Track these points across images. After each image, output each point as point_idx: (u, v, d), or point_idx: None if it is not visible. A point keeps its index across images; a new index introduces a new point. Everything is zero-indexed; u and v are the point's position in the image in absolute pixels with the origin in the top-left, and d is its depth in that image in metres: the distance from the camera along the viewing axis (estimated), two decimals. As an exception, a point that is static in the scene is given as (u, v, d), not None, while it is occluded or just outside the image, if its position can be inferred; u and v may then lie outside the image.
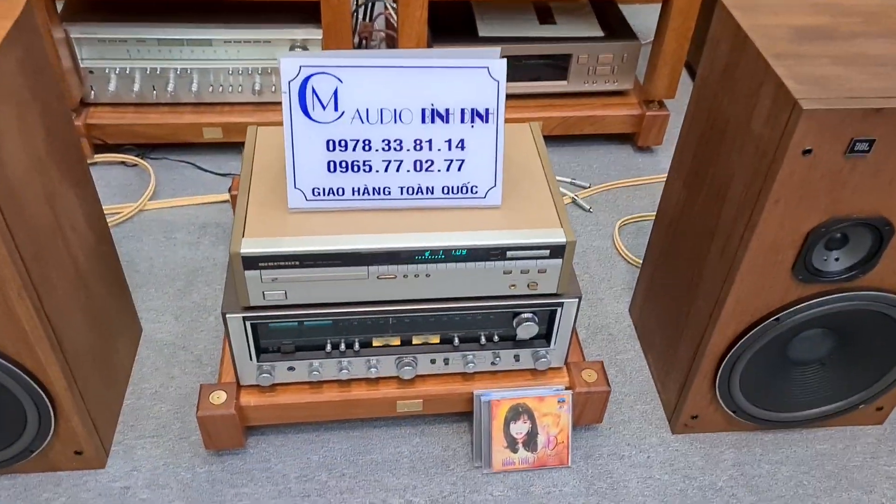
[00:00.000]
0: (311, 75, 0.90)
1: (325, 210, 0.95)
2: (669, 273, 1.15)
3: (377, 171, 0.94)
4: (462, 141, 0.93)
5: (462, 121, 0.93)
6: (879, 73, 0.84)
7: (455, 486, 1.08)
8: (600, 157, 1.69)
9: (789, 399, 1.11)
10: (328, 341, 1.02)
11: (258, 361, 1.02)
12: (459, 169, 0.95)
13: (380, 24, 1.85)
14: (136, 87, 1.53)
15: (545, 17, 1.62)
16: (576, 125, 1.63)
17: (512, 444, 1.08)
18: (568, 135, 1.65)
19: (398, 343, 1.04)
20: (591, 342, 1.29)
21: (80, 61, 1.50)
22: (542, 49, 1.55)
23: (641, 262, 1.28)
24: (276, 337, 1.01)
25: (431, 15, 1.51)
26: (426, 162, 0.94)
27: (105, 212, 1.46)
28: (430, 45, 1.53)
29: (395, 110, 0.92)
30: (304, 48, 1.51)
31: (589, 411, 1.11)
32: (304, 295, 0.95)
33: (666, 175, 1.22)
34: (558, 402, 1.07)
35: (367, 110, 0.91)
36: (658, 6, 1.55)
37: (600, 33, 1.59)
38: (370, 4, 1.83)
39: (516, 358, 1.06)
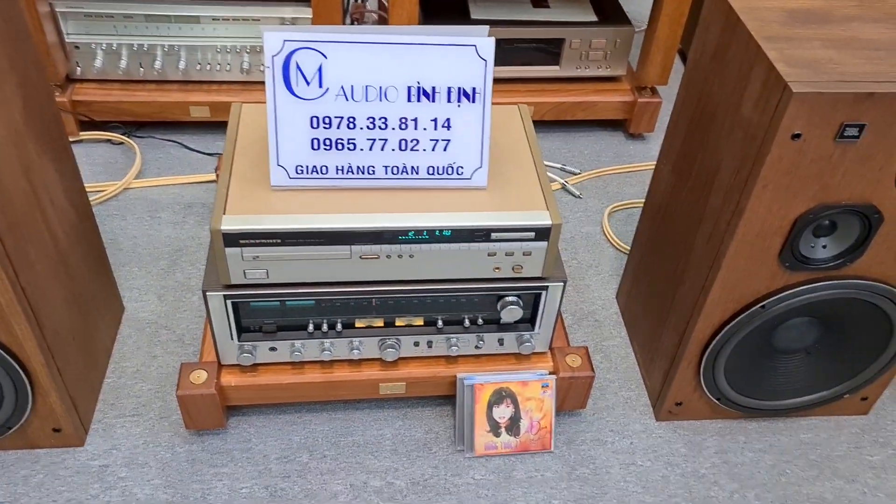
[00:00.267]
0: (296, 50, 0.88)
1: (308, 188, 0.94)
2: (657, 259, 1.15)
3: (361, 150, 0.92)
4: (448, 120, 0.92)
5: (448, 100, 0.91)
6: (872, 58, 0.83)
7: (437, 470, 1.07)
8: (591, 144, 1.68)
9: (774, 388, 1.11)
10: (310, 322, 1.01)
11: (239, 341, 1.01)
12: (445, 149, 0.93)
13: (372, 5, 1.83)
14: (123, 64, 1.51)
15: (539, 1, 1.60)
16: (567, 111, 1.62)
17: (494, 429, 1.08)
18: (559, 120, 1.64)
19: (381, 325, 1.03)
20: (577, 328, 1.29)
21: (65, 36, 1.48)
22: (534, 33, 1.54)
23: (629, 248, 1.28)
24: (257, 316, 1.00)
25: (423, -5, 1.49)
26: (411, 141, 0.93)
27: (89, 190, 1.45)
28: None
29: (380, 88, 0.90)
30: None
31: (572, 397, 1.10)
32: (286, 274, 0.94)
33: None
34: (542, 386, 1.07)
35: (353, 87, 0.90)
36: (652, -9, 1.54)
37: (594, 18, 1.57)
38: (362, -15, 1.81)
39: (500, 342, 1.06)
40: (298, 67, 0.89)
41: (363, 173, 0.94)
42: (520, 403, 1.07)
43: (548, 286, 0.99)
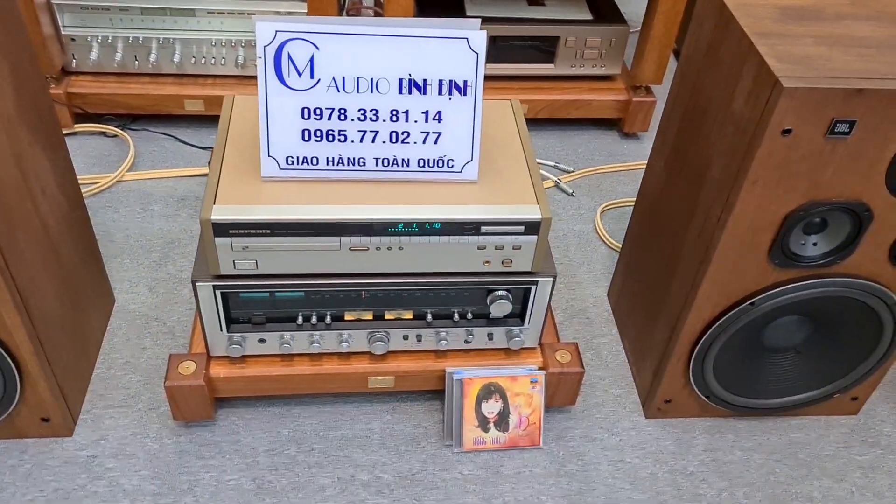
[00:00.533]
0: (288, 41, 0.88)
1: (299, 179, 0.94)
2: (648, 256, 1.15)
3: (352, 142, 0.92)
4: (439, 113, 0.92)
5: (440, 92, 0.91)
6: (864, 55, 0.83)
7: (425, 464, 1.07)
8: (585, 142, 1.68)
9: (763, 386, 1.11)
10: (300, 313, 1.01)
11: (228, 332, 1.01)
12: (436, 142, 0.93)
13: (368, 1, 1.83)
14: (118, 57, 1.51)
15: (534, -1, 1.61)
16: (562, 109, 1.62)
17: (483, 424, 1.08)
18: (553, 118, 1.64)
19: (370, 317, 1.02)
20: (568, 325, 1.28)
21: (61, 28, 1.48)
22: (529, 30, 1.54)
23: (621, 246, 1.28)
24: (246, 307, 1.00)
25: (419, -8, 1.49)
26: (402, 133, 0.92)
27: (82, 182, 1.44)
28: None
29: (371, 79, 0.90)
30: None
31: (562, 393, 1.10)
32: (276, 265, 0.94)
33: (649, 158, 1.21)
34: (531, 382, 1.07)
35: (344, 78, 0.90)
36: (648, -9, 1.54)
37: (589, 17, 1.57)
38: (359, -19, 1.81)
39: (490, 336, 1.05)
40: (290, 58, 0.89)
41: (354, 165, 0.94)
42: (509, 399, 1.07)
43: (537, 280, 0.99)
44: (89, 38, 1.49)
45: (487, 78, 0.91)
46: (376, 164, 0.94)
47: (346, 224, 0.90)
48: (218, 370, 1.04)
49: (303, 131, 0.91)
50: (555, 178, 1.56)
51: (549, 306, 1.03)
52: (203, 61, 1.52)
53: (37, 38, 1.42)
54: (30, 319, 0.95)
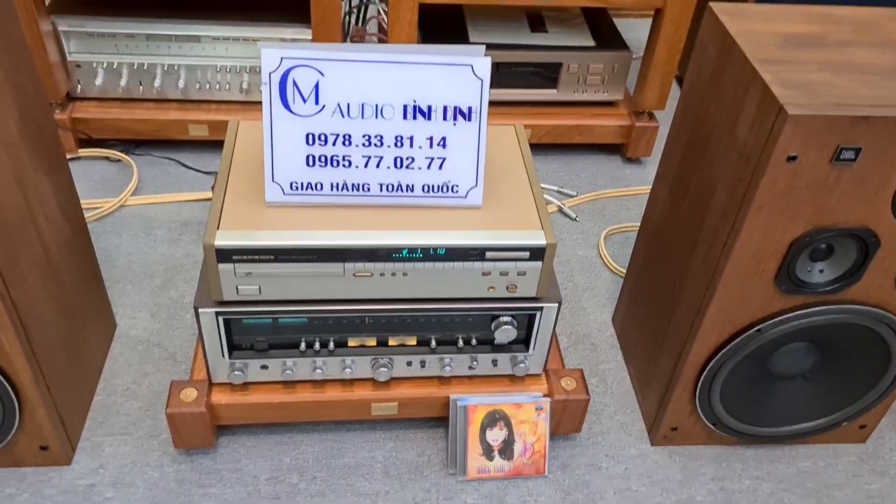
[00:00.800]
0: (293, 67, 0.88)
1: (303, 205, 0.93)
2: (652, 282, 1.14)
3: (356, 167, 0.92)
4: (444, 139, 0.92)
5: (444, 118, 0.91)
6: (868, 82, 0.84)
7: (428, 493, 1.06)
8: (588, 167, 1.68)
9: (771, 414, 1.09)
10: (302, 340, 1.00)
11: (230, 358, 1.00)
12: (440, 167, 0.93)
13: (372, 28, 1.84)
14: (123, 83, 1.52)
15: (537, 26, 1.62)
16: (565, 134, 1.62)
17: (488, 452, 1.06)
18: (556, 143, 1.65)
19: (374, 344, 1.02)
20: (572, 351, 1.27)
21: (67, 55, 1.49)
22: (532, 57, 1.55)
23: (626, 271, 1.27)
24: (249, 333, 0.99)
25: (422, 19, 1.50)
26: (407, 159, 0.92)
27: (85, 206, 1.44)
28: (420, 49, 1.52)
29: (376, 105, 0.90)
30: (294, 48, 1.50)
31: (567, 420, 1.09)
32: (279, 291, 0.93)
33: (652, 184, 1.21)
34: (536, 409, 1.05)
35: (349, 104, 0.90)
36: (650, 21, 1.55)
37: (591, 43, 1.58)
38: (363, 8, 1.83)
39: (494, 363, 1.05)
40: (295, 84, 0.89)
41: (358, 190, 0.93)
42: (513, 426, 1.06)
43: (542, 307, 0.98)
44: (95, 65, 1.50)
45: (490, 103, 0.91)
46: (381, 190, 0.94)
47: (350, 250, 0.90)
48: (220, 397, 1.03)
49: (307, 157, 0.91)
50: (558, 203, 1.56)
51: (553, 332, 1.02)
52: (207, 87, 1.53)
53: (43, 65, 1.43)
54: (30, 346, 0.94)
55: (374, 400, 1.05)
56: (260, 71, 1.51)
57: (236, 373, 1.00)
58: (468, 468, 1.06)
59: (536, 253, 0.92)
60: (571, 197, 1.59)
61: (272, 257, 0.90)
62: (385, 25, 1.65)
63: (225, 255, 0.89)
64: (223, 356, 0.99)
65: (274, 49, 0.88)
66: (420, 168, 0.93)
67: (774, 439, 1.13)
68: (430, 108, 0.91)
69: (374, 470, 1.08)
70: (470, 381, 1.07)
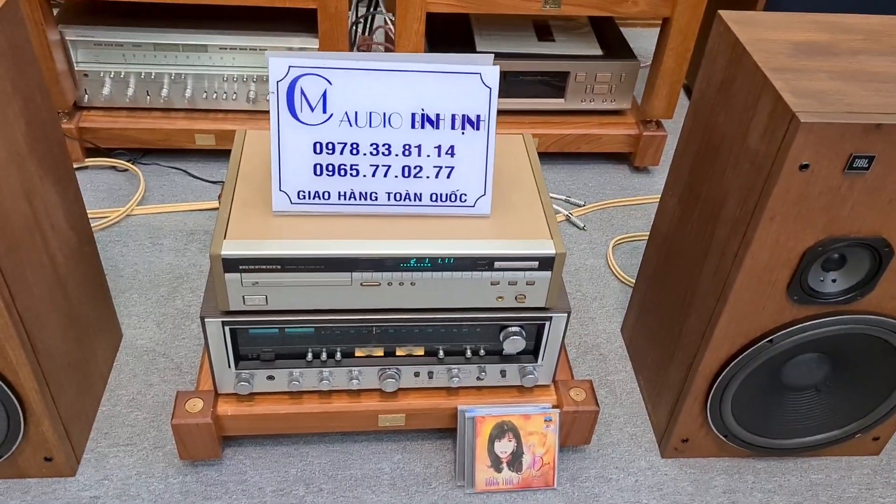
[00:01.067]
0: (301, 76, 0.88)
1: (310, 214, 0.93)
2: (662, 292, 1.13)
3: (364, 176, 0.92)
4: (452, 147, 0.91)
5: (452, 127, 0.91)
6: (880, 90, 0.83)
7: (436, 506, 1.05)
8: (596, 176, 1.67)
9: (783, 426, 1.08)
10: (309, 350, 0.99)
11: (237, 369, 0.99)
12: (448, 176, 0.93)
13: (379, 37, 1.84)
14: (131, 92, 1.52)
15: (544, 35, 1.61)
16: (572, 143, 1.62)
17: (496, 464, 1.05)
18: (564, 152, 1.64)
19: (381, 354, 1.01)
20: (581, 362, 1.26)
21: (74, 64, 1.49)
22: (539, 66, 1.54)
23: (635, 281, 1.26)
24: (255, 344, 0.98)
25: (429, 29, 1.50)
26: (415, 168, 0.92)
27: (92, 216, 1.44)
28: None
29: (384, 114, 0.90)
30: (301, 57, 1.50)
31: (576, 431, 1.07)
32: (286, 301, 0.93)
33: (661, 193, 1.20)
34: (545, 420, 1.04)
35: (356, 113, 0.90)
36: (657, 30, 1.54)
37: (599, 52, 1.58)
38: (370, 18, 1.83)
39: (502, 373, 1.03)
40: (303, 93, 0.88)
41: (366, 199, 0.93)
42: (522, 438, 1.05)
43: (551, 317, 0.97)
44: (102, 74, 1.50)
45: (497, 112, 0.91)
46: (388, 199, 0.93)
47: (357, 259, 0.89)
48: (226, 408, 1.02)
49: (315, 166, 0.91)
50: (566, 213, 1.55)
51: (563, 343, 1.01)
52: (215, 96, 1.53)
53: (50, 74, 1.43)
54: (35, 356, 0.93)
55: (381, 411, 1.04)
56: (267, 80, 1.51)
57: (242, 383, 1.00)
58: (476, 480, 1.05)
59: (545, 262, 0.92)
60: (579, 206, 1.58)
61: (279, 267, 0.89)
62: (392, 35, 1.65)
63: (231, 264, 0.88)
64: (229, 367, 0.99)
65: (282, 57, 0.87)
66: (428, 177, 0.92)
67: (786, 451, 1.12)
68: (438, 116, 0.90)
69: (381, 482, 1.07)
70: (478, 392, 1.06)
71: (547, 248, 0.91)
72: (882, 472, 1.14)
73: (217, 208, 1.51)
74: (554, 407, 1.05)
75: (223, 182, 1.57)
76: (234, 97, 1.54)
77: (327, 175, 0.91)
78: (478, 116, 0.91)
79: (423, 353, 1.01)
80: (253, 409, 1.02)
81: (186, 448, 1.03)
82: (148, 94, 1.53)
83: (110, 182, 1.56)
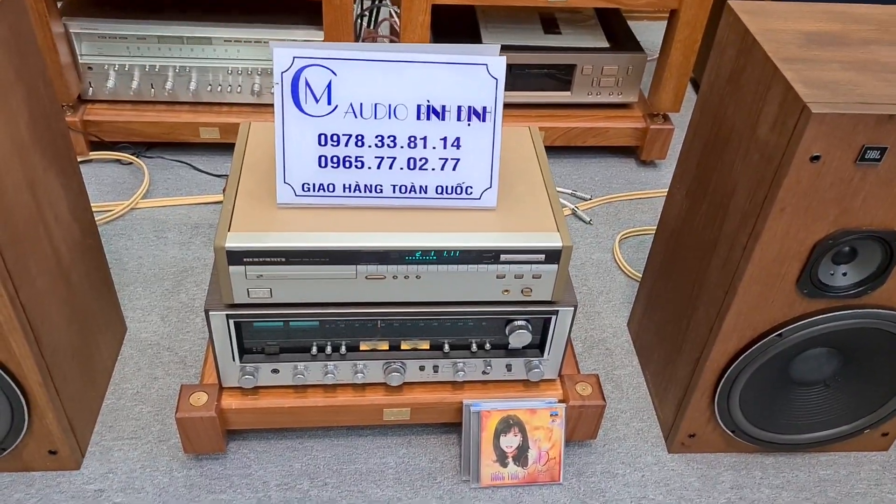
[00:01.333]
0: (305, 67, 0.87)
1: (315, 206, 0.92)
2: (670, 286, 1.12)
3: (369, 168, 0.91)
4: (458, 139, 0.91)
5: (458, 119, 0.90)
6: (893, 80, 0.81)
7: (441, 500, 1.04)
8: (602, 170, 1.66)
9: (791, 421, 1.07)
10: (314, 343, 0.99)
11: (241, 362, 0.99)
12: (454, 168, 0.92)
13: (384, 30, 1.83)
14: (135, 85, 1.51)
15: (550, 27, 1.60)
16: (578, 136, 1.60)
17: (501, 458, 1.04)
18: (570, 146, 1.63)
19: (386, 348, 1.00)
20: (587, 356, 1.25)
21: (78, 57, 1.48)
22: (546, 58, 1.53)
23: (641, 275, 1.25)
24: (260, 337, 0.98)
25: (435, 21, 1.49)
26: (420, 160, 0.91)
27: (96, 209, 1.44)
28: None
29: (389, 105, 0.89)
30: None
31: (582, 426, 1.06)
32: (290, 294, 0.92)
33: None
34: (551, 415, 1.04)
35: (361, 105, 0.89)
36: (664, 23, 1.53)
37: (606, 45, 1.56)
38: (375, 11, 1.82)
39: (508, 367, 1.03)
40: (307, 84, 0.88)
41: (371, 192, 0.92)
42: (528, 432, 1.04)
43: (558, 310, 0.96)
44: (106, 67, 1.50)
45: (503, 105, 0.90)
46: (394, 191, 0.92)
47: (362, 252, 0.89)
48: (230, 401, 1.01)
49: (319, 158, 0.90)
50: (572, 206, 1.54)
51: (569, 337, 1.00)
52: (219, 89, 1.52)
53: (54, 67, 1.43)
54: (39, 349, 0.93)
55: (386, 405, 1.04)
56: (271, 73, 1.51)
57: (247, 377, 0.99)
58: (482, 475, 1.04)
59: (552, 255, 0.91)
60: (585, 200, 1.57)
61: (283, 259, 0.88)
62: (397, 27, 1.64)
63: (236, 257, 0.88)
64: (234, 360, 0.98)
65: (286, 48, 0.86)
66: (434, 169, 0.91)
67: (795, 447, 1.11)
68: (443, 108, 0.89)
69: (386, 476, 1.06)
70: (483, 387, 1.05)
71: (553, 241, 0.90)
72: (891, 467, 1.13)
73: (222, 201, 1.50)
74: (560, 401, 1.04)
75: (228, 175, 1.56)
76: (238, 90, 1.53)
77: (332, 167, 0.91)
78: (484, 108, 0.90)
79: (428, 347, 1.01)
80: (257, 402, 1.02)
81: (191, 441, 1.02)
82: (152, 87, 1.52)
83: (115, 175, 1.55)
